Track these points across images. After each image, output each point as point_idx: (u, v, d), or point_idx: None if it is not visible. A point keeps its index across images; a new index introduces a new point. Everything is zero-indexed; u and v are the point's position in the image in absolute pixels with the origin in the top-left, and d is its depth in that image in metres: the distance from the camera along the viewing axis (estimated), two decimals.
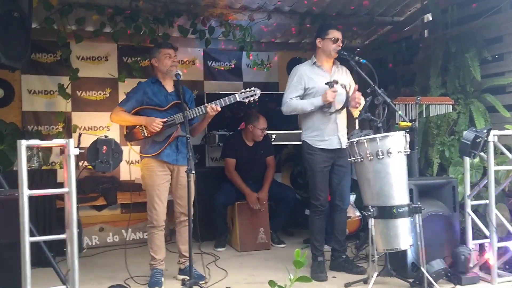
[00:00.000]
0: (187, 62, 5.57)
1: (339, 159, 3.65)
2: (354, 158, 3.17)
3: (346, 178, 3.71)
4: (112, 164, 2.46)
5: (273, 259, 4.19)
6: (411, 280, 3.25)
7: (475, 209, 3.65)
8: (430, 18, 5.10)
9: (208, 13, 4.79)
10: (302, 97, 3.65)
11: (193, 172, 2.99)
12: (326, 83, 3.49)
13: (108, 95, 5.22)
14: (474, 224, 3.53)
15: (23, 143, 2.26)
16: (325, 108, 3.53)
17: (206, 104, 3.44)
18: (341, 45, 3.62)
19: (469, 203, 3.53)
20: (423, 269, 3.09)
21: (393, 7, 5.26)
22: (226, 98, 3.44)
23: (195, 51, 5.64)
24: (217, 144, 5.08)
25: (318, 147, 3.62)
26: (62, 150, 2.37)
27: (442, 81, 4.41)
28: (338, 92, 3.51)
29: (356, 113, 3.62)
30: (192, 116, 3.45)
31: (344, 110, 3.67)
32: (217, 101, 3.42)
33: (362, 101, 3.54)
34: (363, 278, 3.35)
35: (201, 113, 3.45)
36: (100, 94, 5.21)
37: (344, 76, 3.72)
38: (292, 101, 3.62)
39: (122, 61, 5.28)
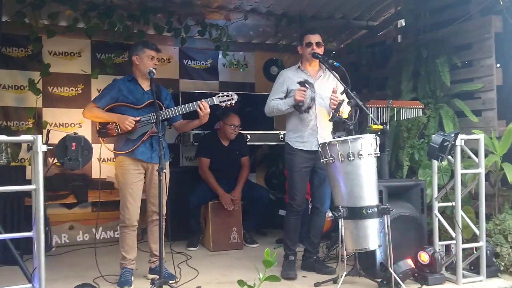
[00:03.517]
0: (163, 60, 5.53)
1: (320, 162, 3.65)
2: (326, 159, 3.21)
3: (326, 181, 3.70)
4: (81, 162, 2.43)
5: (245, 258, 4.20)
6: (379, 280, 3.30)
7: (442, 211, 3.74)
8: (404, 24, 5.21)
9: (184, 12, 4.76)
10: (283, 99, 3.69)
11: (165, 171, 2.98)
12: (298, 82, 3.53)
13: (80, 91, 5.15)
14: (441, 225, 3.62)
15: None
16: (296, 106, 3.57)
17: (197, 102, 3.41)
18: (315, 47, 3.64)
19: (436, 205, 3.62)
20: (391, 269, 3.15)
21: (368, 11, 5.35)
22: (203, 100, 3.43)
23: (170, 49, 5.62)
24: (191, 143, 5.06)
25: (297, 148, 3.66)
26: (30, 147, 2.33)
27: (413, 85, 4.51)
28: (308, 93, 3.54)
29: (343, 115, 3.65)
30: (167, 116, 3.43)
31: (326, 113, 3.68)
32: (195, 103, 3.40)
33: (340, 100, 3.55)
34: (333, 278, 3.40)
35: (176, 113, 3.44)
36: (72, 90, 5.13)
37: (330, 81, 3.72)
38: (271, 102, 3.71)
39: (95, 58, 5.21)
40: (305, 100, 3.55)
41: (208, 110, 3.42)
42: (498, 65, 4.11)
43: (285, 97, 3.70)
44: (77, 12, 4.52)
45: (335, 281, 3.34)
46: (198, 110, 3.39)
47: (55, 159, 2.53)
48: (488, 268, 3.49)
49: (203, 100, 3.42)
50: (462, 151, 3.49)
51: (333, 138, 3.58)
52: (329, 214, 4.66)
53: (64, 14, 4.58)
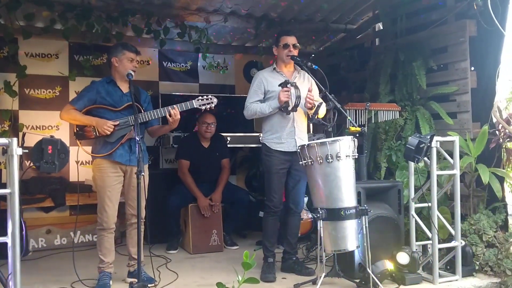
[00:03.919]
0: (142, 62, 5.50)
1: (296, 163, 3.67)
2: (305, 161, 3.24)
3: (301, 182, 3.76)
4: (58, 165, 2.40)
5: (225, 261, 4.20)
6: (357, 280, 3.34)
7: (419, 211, 3.81)
8: (381, 27, 5.28)
9: (163, 14, 4.74)
10: (262, 101, 3.70)
11: (143, 174, 2.96)
12: (279, 85, 3.54)
13: (58, 93, 5.09)
14: (417, 226, 3.68)
15: None
16: (283, 108, 3.56)
17: (165, 108, 3.40)
18: (292, 49, 3.67)
19: (413, 205, 3.67)
20: (369, 270, 3.19)
21: (347, 15, 5.40)
22: (182, 104, 3.42)
23: (150, 51, 5.59)
24: (171, 146, 5.04)
25: (275, 149, 3.67)
26: (5, 150, 2.30)
27: (391, 88, 4.58)
28: (292, 92, 3.55)
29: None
30: (147, 119, 3.41)
31: (303, 114, 3.72)
32: (175, 106, 3.39)
33: (318, 103, 3.58)
34: (312, 279, 3.42)
35: (155, 117, 3.42)
36: (49, 92, 5.06)
37: (305, 82, 3.76)
38: (252, 105, 3.69)
39: (73, 59, 5.15)
40: (290, 100, 3.56)
41: (178, 117, 3.39)
42: (473, 68, 4.19)
43: (264, 98, 3.70)
44: (54, 13, 4.46)
45: (314, 282, 3.36)
46: (167, 116, 3.37)
47: (31, 162, 2.50)
48: (464, 267, 3.57)
49: (174, 106, 3.39)
50: (438, 152, 3.55)
51: (313, 140, 3.61)
52: (309, 215, 4.71)
53: (41, 15, 4.51)
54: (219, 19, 5.03)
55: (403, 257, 3.42)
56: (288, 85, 3.50)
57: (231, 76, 6.06)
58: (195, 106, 3.45)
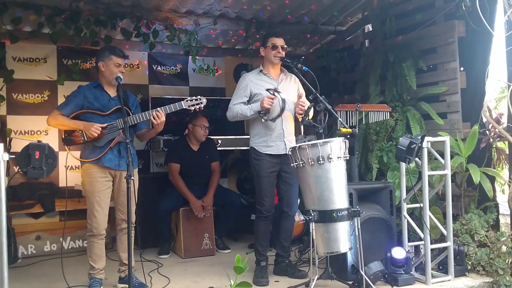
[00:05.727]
0: (131, 66, 5.46)
1: (286, 166, 3.65)
2: (296, 163, 3.22)
3: (293, 185, 3.73)
4: (46, 170, 2.37)
5: (218, 265, 4.17)
6: (350, 282, 3.32)
7: (410, 212, 3.81)
8: (371, 29, 5.29)
9: (152, 17, 4.71)
10: (247, 103, 3.67)
11: (133, 178, 2.92)
12: (267, 89, 3.53)
13: (46, 98, 5.04)
14: (409, 226, 3.68)
15: None
16: (262, 113, 3.56)
17: (150, 111, 3.37)
18: (281, 51, 3.66)
19: (405, 206, 3.68)
20: (362, 272, 3.18)
21: (336, 17, 5.40)
22: (171, 105, 3.38)
23: (139, 54, 5.56)
24: (161, 149, 5.01)
25: (265, 152, 3.64)
26: None
27: (381, 89, 4.58)
28: (276, 102, 3.53)
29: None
30: (135, 122, 3.38)
31: (291, 116, 3.71)
32: (162, 108, 3.36)
33: (307, 106, 3.59)
34: (305, 282, 3.41)
35: (143, 119, 3.39)
36: (38, 97, 5.01)
37: (292, 84, 3.77)
38: (235, 107, 3.66)
39: (61, 63, 5.11)
40: (272, 108, 3.54)
41: (163, 118, 3.34)
42: (462, 68, 4.21)
43: (248, 101, 3.68)
44: (42, 17, 4.41)
45: (307, 284, 3.35)
46: (152, 119, 3.34)
47: (19, 168, 2.46)
48: (457, 267, 3.57)
49: (162, 107, 3.36)
50: (429, 153, 3.56)
51: (304, 142, 3.60)
52: (301, 217, 4.70)
53: (28, 19, 4.46)
54: (209, 21, 5.01)
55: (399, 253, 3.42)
56: (275, 93, 3.49)
57: (221, 78, 6.04)
58: (184, 107, 3.41)
